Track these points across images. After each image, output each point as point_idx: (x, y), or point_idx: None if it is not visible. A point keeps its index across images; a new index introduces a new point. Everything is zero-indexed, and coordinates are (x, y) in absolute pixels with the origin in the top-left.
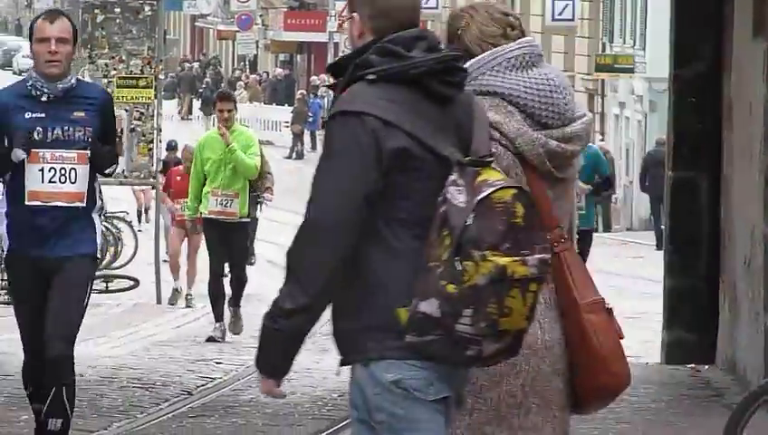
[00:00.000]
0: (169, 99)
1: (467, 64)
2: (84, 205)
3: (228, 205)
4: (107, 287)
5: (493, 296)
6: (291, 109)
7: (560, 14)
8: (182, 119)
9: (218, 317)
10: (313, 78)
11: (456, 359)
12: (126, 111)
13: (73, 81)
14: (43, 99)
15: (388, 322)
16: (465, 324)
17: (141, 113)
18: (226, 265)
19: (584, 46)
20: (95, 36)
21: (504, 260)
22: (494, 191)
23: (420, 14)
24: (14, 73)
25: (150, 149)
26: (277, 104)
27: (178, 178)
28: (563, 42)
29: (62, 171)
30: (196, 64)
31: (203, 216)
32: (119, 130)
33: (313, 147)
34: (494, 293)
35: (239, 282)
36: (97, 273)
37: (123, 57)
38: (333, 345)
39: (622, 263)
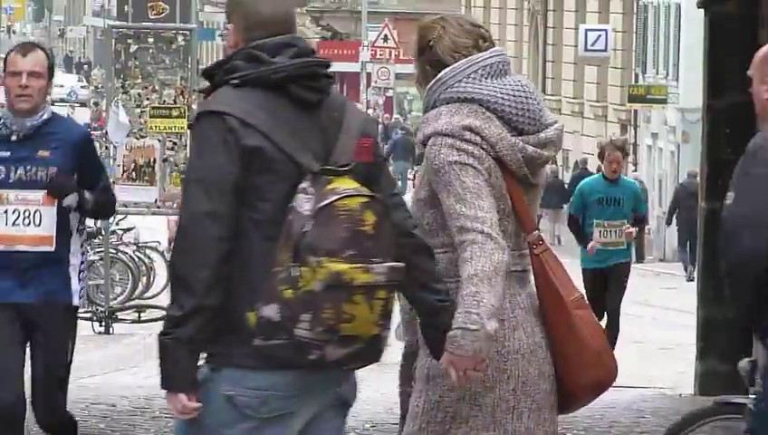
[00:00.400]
0: None
1: (442, 73)
2: (53, 249)
3: None
4: (139, 317)
5: (329, 302)
6: None
7: (593, 44)
8: None
9: None
10: None
11: (300, 363)
12: (159, 140)
13: (45, 116)
14: (13, 138)
15: (237, 326)
16: (303, 329)
17: (174, 143)
18: None
19: (617, 77)
20: (128, 66)
21: (341, 267)
22: (339, 199)
23: (294, 21)
24: None
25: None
26: None
27: None
28: (596, 72)
29: (26, 213)
30: None
31: None
32: (151, 159)
33: None
34: (330, 299)
35: None
36: (129, 303)
37: (156, 87)
38: (364, 374)
39: (655, 294)
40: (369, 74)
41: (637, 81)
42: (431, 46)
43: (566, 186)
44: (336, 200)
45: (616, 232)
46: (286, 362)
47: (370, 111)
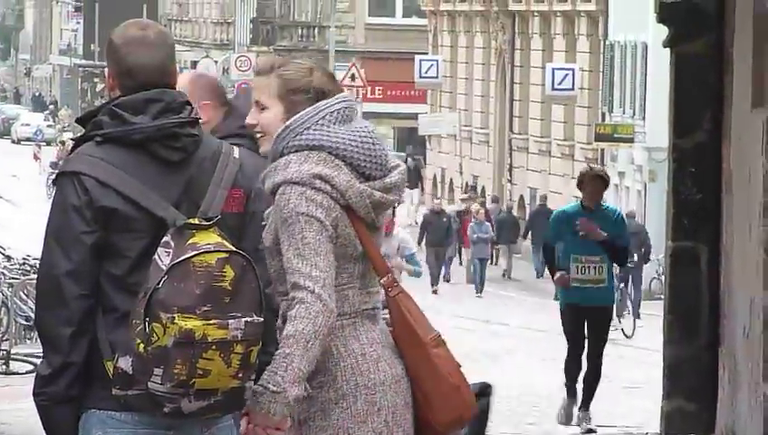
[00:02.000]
0: None
1: (290, 120)
2: None
3: None
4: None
5: (180, 358)
6: None
7: (560, 83)
8: None
9: None
10: None
11: (157, 413)
12: None
13: None
14: None
15: (101, 373)
16: (156, 383)
17: None
18: None
19: (584, 116)
20: (94, 104)
21: (194, 323)
22: (196, 255)
23: (168, 72)
24: (13, 142)
25: None
26: None
27: None
28: (563, 111)
29: None
30: None
31: None
32: None
33: None
34: (181, 355)
35: None
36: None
37: None
38: None
39: (620, 332)
40: None
41: (603, 119)
42: (309, 87)
43: (519, 221)
44: (193, 256)
45: (596, 268)
46: (144, 411)
47: None
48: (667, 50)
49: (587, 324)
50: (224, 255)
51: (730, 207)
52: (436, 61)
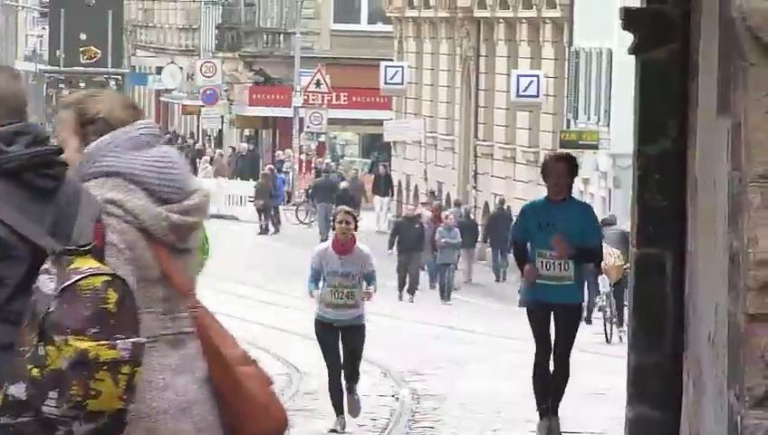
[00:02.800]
0: None
1: (88, 148)
2: None
3: None
4: None
5: (75, 379)
6: (254, 184)
7: (524, 90)
8: None
9: None
10: (278, 153)
11: None
12: None
13: None
14: None
15: None
16: (50, 406)
17: None
18: None
19: (549, 122)
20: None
21: (86, 344)
22: (82, 278)
23: (26, 103)
24: None
25: None
26: (242, 179)
27: None
28: (528, 118)
29: None
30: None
31: None
32: None
33: (277, 221)
34: (75, 376)
35: None
36: None
37: None
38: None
39: (586, 337)
40: (301, 119)
41: (568, 126)
42: (100, 118)
43: (479, 227)
44: (80, 279)
45: (561, 265)
46: None
47: (303, 156)
48: (632, 57)
49: (554, 323)
50: (107, 278)
51: (695, 213)
52: (402, 67)
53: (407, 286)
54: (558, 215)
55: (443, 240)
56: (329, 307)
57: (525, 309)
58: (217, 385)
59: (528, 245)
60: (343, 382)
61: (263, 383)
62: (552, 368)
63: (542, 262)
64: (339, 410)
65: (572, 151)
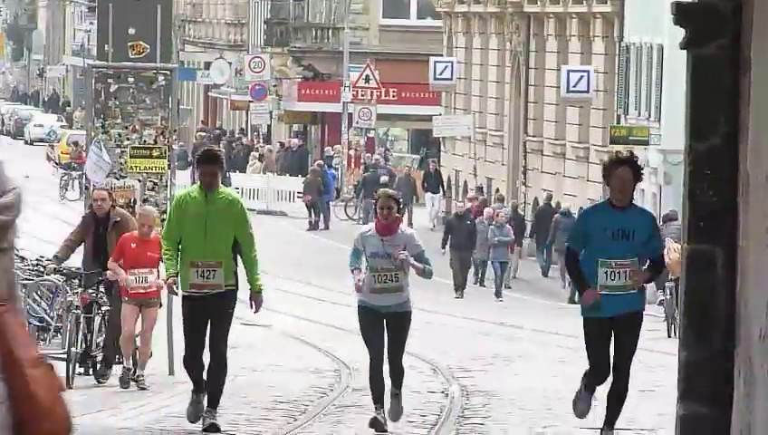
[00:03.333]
0: (183, 169)
1: None
2: None
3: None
4: (117, 359)
5: None
6: (303, 179)
7: (575, 85)
8: None
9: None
10: (327, 148)
11: None
12: (139, 181)
13: None
14: None
15: None
16: None
17: (155, 183)
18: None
19: (599, 118)
20: (108, 106)
21: None
22: None
23: None
24: (26, 143)
25: (164, 220)
26: (291, 175)
27: (133, 245)
28: (578, 113)
29: None
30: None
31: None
32: (131, 199)
33: (327, 217)
34: None
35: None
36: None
37: (137, 127)
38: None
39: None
40: (350, 115)
41: (619, 122)
42: None
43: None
44: None
45: (626, 274)
46: None
47: (352, 152)
48: (684, 52)
49: (614, 335)
50: None
51: (746, 209)
52: (451, 62)
53: (459, 283)
54: (625, 222)
55: (495, 239)
56: (372, 293)
57: (583, 319)
58: (9, 385)
59: (582, 251)
60: (387, 382)
61: (51, 387)
62: (612, 379)
63: (605, 271)
64: (379, 402)
65: (623, 147)
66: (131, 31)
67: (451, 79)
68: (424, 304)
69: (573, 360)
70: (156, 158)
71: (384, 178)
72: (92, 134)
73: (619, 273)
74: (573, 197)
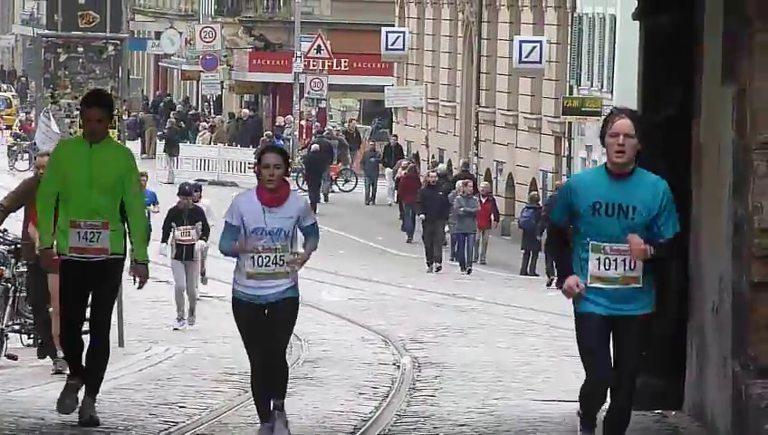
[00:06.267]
0: (133, 139)
1: None
2: None
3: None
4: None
5: None
6: (254, 150)
7: (527, 56)
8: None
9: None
10: (279, 119)
11: None
12: None
13: None
14: None
15: None
16: None
17: None
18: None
19: (551, 89)
20: (58, 75)
21: None
22: None
23: None
24: None
25: None
26: (242, 145)
27: None
28: (530, 84)
29: None
30: (161, 105)
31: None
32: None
33: None
34: None
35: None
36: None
37: None
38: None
39: None
40: (302, 85)
41: (571, 93)
42: None
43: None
44: None
45: (626, 263)
46: None
47: (303, 122)
48: (637, 22)
49: (613, 337)
50: None
51: (699, 181)
52: (403, 33)
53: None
54: (626, 192)
55: (461, 209)
56: (250, 279)
57: (575, 319)
58: None
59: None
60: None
61: None
62: (612, 391)
63: (598, 259)
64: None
65: (575, 118)
66: (81, 0)
67: (403, 49)
68: (380, 277)
69: (523, 331)
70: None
71: (315, 147)
72: (42, 105)
73: (615, 262)
74: (525, 168)
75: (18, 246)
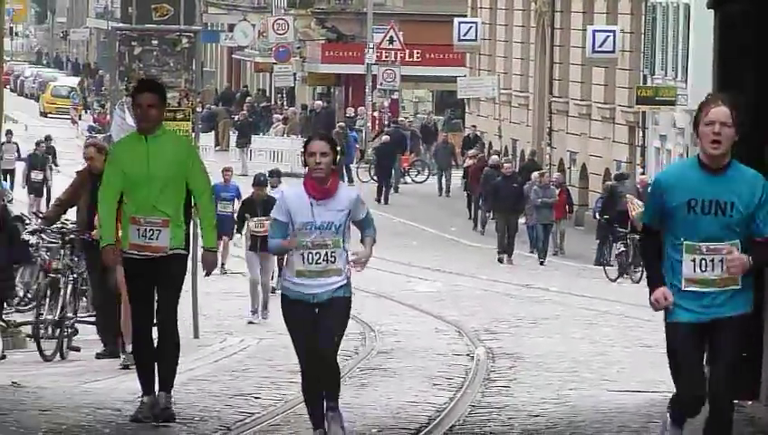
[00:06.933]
0: (206, 131)
1: None
2: None
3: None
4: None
5: None
6: None
7: (600, 45)
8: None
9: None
10: (350, 110)
11: None
12: None
13: None
14: None
15: None
16: None
17: None
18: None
19: (625, 78)
20: (132, 68)
21: None
22: None
23: None
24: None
25: None
26: None
27: None
28: (604, 74)
29: None
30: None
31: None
32: None
33: (350, 180)
34: None
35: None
36: None
37: None
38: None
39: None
40: (374, 76)
41: (645, 82)
42: None
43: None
44: None
45: (723, 262)
46: None
47: (376, 114)
48: (711, 11)
49: (710, 343)
50: None
51: None
52: (476, 23)
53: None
54: (720, 189)
55: (539, 200)
56: (299, 277)
57: (665, 327)
58: None
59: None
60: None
61: None
62: (708, 399)
63: (693, 260)
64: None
65: (649, 108)
66: None
67: (475, 40)
68: (452, 268)
69: (597, 322)
70: (180, 120)
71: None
72: (117, 98)
73: (712, 261)
74: (599, 158)
75: (73, 236)
